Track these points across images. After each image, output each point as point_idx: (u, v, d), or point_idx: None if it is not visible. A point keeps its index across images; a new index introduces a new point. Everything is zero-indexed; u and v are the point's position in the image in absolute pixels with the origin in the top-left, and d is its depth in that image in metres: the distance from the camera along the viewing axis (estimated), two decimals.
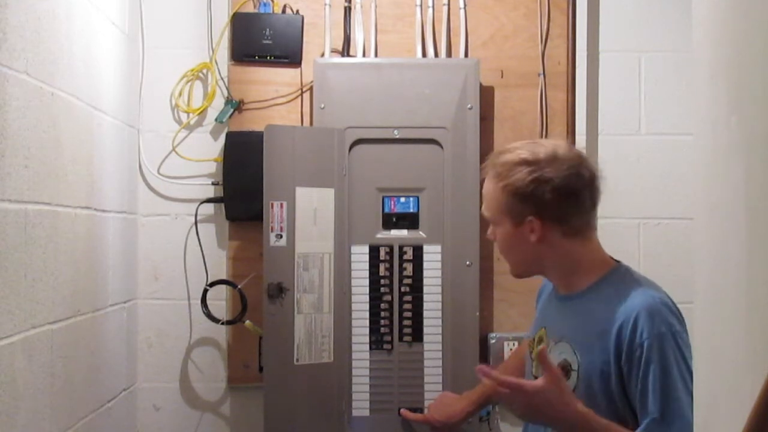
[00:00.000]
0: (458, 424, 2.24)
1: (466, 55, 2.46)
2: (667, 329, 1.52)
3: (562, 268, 1.67)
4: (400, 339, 2.37)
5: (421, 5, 2.47)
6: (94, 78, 2.06)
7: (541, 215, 1.60)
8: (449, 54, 2.47)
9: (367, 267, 2.37)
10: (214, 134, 2.49)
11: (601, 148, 2.43)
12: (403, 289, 2.37)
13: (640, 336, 1.52)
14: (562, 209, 1.61)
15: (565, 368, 1.62)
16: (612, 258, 1.70)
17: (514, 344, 2.40)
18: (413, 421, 2.31)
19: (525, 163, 1.61)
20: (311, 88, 2.43)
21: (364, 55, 2.45)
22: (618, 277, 1.64)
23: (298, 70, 2.47)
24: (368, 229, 2.37)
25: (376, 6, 2.46)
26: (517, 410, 1.59)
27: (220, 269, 2.47)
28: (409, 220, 2.38)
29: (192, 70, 2.47)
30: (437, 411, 2.19)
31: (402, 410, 2.33)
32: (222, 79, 2.47)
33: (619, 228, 2.44)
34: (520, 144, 1.67)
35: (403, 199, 2.39)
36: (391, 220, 2.38)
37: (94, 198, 2.06)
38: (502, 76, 2.50)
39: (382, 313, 2.36)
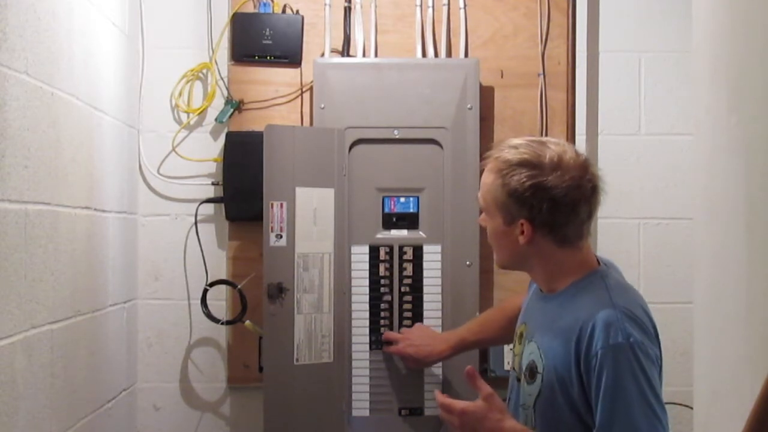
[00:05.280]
0: (429, 365, 2.28)
1: (466, 55, 2.46)
2: (625, 340, 1.50)
3: (545, 271, 1.66)
4: None
5: (421, 5, 2.47)
6: (94, 78, 2.06)
7: (534, 221, 1.58)
8: (449, 54, 2.47)
9: (367, 267, 2.37)
10: (214, 134, 2.49)
11: (601, 148, 2.43)
12: (403, 289, 2.37)
13: (595, 346, 1.51)
14: (556, 219, 1.58)
15: (533, 370, 1.62)
16: (598, 260, 1.67)
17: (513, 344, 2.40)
18: (387, 351, 2.31)
19: (528, 165, 1.57)
20: (311, 88, 2.43)
21: (364, 55, 2.45)
22: (590, 282, 1.61)
23: (298, 70, 2.47)
24: (368, 229, 2.37)
25: (376, 6, 2.46)
26: (454, 428, 1.66)
27: (220, 269, 2.47)
28: (409, 220, 2.38)
29: (192, 70, 2.47)
30: (413, 345, 2.24)
31: (386, 334, 2.33)
32: (222, 79, 2.47)
33: (619, 228, 2.44)
34: (527, 141, 1.62)
35: (403, 199, 2.39)
36: (391, 220, 2.38)
37: (94, 198, 2.06)
38: (502, 76, 2.50)
39: (382, 313, 2.36)
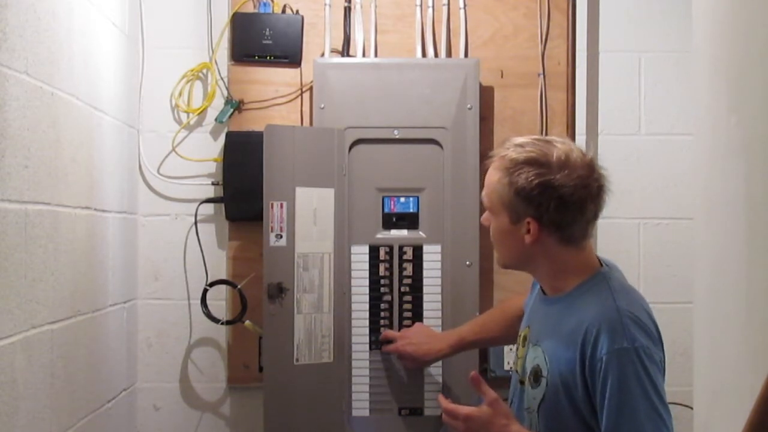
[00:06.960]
0: (428, 363, 2.26)
1: (466, 55, 2.46)
2: (630, 344, 1.50)
3: (549, 271, 1.65)
4: None
5: (421, 5, 2.47)
6: (94, 78, 2.06)
7: (541, 219, 1.58)
8: (449, 54, 2.47)
9: (367, 267, 2.37)
10: (214, 134, 2.49)
11: (601, 148, 2.43)
12: (403, 289, 2.37)
13: (601, 350, 1.50)
14: (563, 217, 1.57)
15: (537, 374, 1.62)
16: (600, 261, 1.67)
17: (513, 344, 2.40)
18: (386, 350, 2.30)
19: (535, 163, 1.57)
20: (311, 88, 2.43)
21: (364, 55, 2.45)
22: (593, 285, 1.61)
23: (298, 70, 2.47)
24: (368, 229, 2.37)
25: (376, 6, 2.46)
26: None
27: (220, 269, 2.47)
28: (409, 220, 2.38)
29: (192, 70, 2.47)
30: (411, 344, 2.23)
31: (384, 332, 2.32)
32: (222, 79, 2.47)
33: (619, 228, 2.44)
34: (533, 140, 1.61)
35: (403, 199, 2.39)
36: (391, 220, 2.38)
37: (94, 198, 2.06)
38: (502, 76, 2.50)
39: (382, 313, 2.36)
